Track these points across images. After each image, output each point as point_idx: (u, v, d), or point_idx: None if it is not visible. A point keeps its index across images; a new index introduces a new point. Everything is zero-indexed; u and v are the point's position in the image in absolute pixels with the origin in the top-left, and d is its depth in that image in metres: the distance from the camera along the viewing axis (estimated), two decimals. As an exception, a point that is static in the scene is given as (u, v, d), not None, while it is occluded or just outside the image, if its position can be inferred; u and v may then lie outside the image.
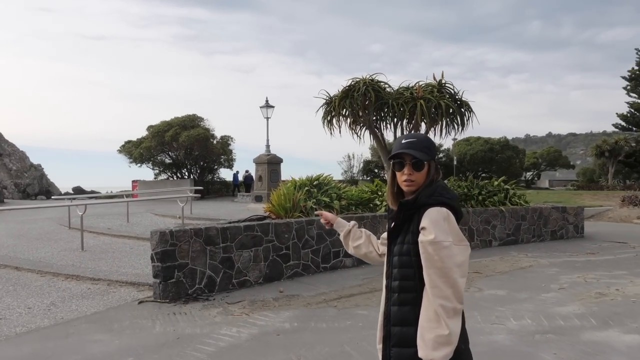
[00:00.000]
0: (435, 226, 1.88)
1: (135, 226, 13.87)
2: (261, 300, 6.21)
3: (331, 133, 11.22)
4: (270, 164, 18.62)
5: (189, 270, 6.33)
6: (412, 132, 10.83)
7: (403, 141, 2.05)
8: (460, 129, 10.70)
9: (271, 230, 7.30)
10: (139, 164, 29.24)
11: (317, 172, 9.50)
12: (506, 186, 11.62)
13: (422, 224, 1.91)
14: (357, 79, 10.89)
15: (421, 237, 1.90)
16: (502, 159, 41.23)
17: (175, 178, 29.93)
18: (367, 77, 10.80)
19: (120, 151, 30.04)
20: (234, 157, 29.88)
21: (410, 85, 11.28)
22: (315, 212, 2.58)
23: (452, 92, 10.93)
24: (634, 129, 41.80)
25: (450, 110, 10.51)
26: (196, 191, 18.50)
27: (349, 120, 11.12)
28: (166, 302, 6.03)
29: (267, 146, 19.03)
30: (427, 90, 10.70)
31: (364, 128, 11.14)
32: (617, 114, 43.99)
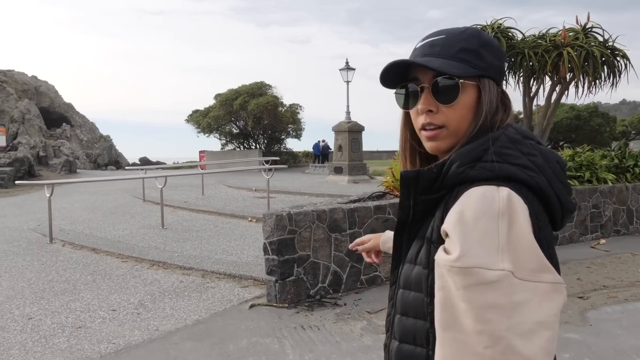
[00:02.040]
0: (469, 231, 0.70)
1: (211, 200, 12.70)
2: (408, 307, 4.63)
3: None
4: (352, 132, 16.94)
5: (310, 264, 4.84)
6: (557, 88, 8.77)
7: (418, 44, 0.88)
8: (615, 83, 8.55)
9: (404, 211, 5.66)
10: (207, 134, 28.34)
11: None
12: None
13: (445, 224, 0.74)
14: (480, 26, 8.93)
15: (437, 254, 0.74)
16: (590, 128, 37.52)
17: (242, 148, 28.92)
18: (495, 22, 8.81)
19: (187, 121, 29.27)
20: (302, 126, 28.40)
21: (542, 33, 9.19)
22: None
23: (602, 38, 8.75)
24: None
25: (603, 59, 8.38)
26: (278, 162, 17.14)
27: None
28: (285, 306, 4.58)
29: (348, 113, 17.29)
30: (571, 37, 8.59)
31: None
32: None
